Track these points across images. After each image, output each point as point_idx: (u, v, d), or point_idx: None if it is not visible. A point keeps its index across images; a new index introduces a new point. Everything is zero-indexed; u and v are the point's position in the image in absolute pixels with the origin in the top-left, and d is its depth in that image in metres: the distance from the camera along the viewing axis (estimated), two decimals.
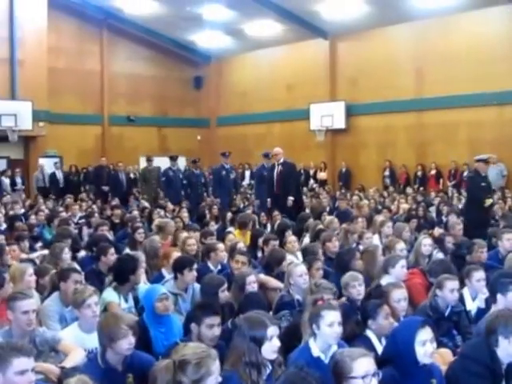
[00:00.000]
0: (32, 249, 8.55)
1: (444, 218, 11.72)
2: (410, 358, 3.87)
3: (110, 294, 5.81)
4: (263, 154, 15.47)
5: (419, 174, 20.26)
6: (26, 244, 8.20)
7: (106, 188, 18.91)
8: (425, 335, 3.89)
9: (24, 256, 7.72)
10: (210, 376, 3.35)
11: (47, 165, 22.28)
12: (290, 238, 8.08)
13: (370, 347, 4.29)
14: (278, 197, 12.67)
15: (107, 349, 4.08)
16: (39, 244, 9.12)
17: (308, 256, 6.96)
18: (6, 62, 21.01)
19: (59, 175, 21.12)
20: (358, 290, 5.50)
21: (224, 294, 5.51)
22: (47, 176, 21.15)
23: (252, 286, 5.66)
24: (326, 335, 4.18)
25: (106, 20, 23.97)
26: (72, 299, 5.01)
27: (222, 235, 8.89)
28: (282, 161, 12.82)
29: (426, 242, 7.41)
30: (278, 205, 12.28)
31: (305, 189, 20.26)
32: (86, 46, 23.98)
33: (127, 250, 7.93)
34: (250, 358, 3.80)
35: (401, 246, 7.36)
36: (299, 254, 7.66)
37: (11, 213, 12.77)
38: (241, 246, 7.54)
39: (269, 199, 12.81)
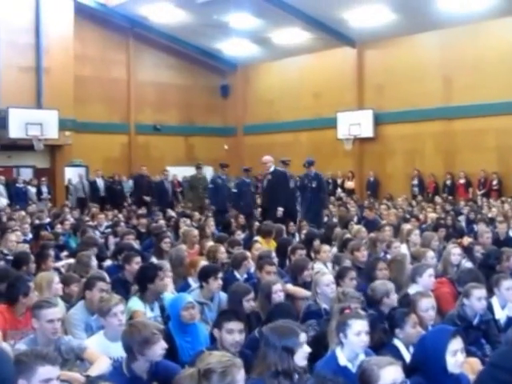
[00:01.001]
0: (57, 258, 8.57)
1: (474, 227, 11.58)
2: (440, 368, 3.84)
3: (135, 303, 5.80)
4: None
5: (448, 182, 20.06)
6: (52, 253, 8.20)
7: (147, 197, 18.75)
8: (456, 345, 3.86)
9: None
10: None
11: (73, 174, 22.46)
12: (325, 247, 7.98)
13: (398, 356, 4.26)
14: (267, 207, 12.49)
15: (137, 356, 4.06)
16: (65, 253, 9.14)
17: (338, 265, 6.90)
18: (32, 70, 21.21)
19: (100, 184, 20.94)
20: (393, 300, 5.45)
21: (250, 304, 5.46)
22: (87, 185, 21.05)
23: (278, 295, 5.60)
24: (353, 344, 4.17)
25: (132, 28, 24.16)
26: (98, 307, 5.00)
27: (248, 244, 8.83)
28: (271, 170, 12.54)
29: (455, 252, 7.33)
30: (268, 216, 11.93)
31: (332, 198, 20.17)
32: (112, 54, 24.17)
33: (153, 259, 7.91)
34: (283, 366, 3.78)
35: (430, 254, 7.25)
36: (329, 264, 7.63)
37: (37, 222, 12.85)
38: (269, 254, 7.49)
39: (259, 210, 12.62)
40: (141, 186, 19.29)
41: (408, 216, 13.51)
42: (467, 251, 7.91)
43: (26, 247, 8.62)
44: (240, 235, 10.55)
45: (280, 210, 11.99)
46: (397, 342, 4.62)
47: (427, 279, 6.12)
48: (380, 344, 4.59)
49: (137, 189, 19.60)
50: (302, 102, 23.96)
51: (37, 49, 21.27)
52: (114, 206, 18.00)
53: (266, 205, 12.77)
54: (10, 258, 8.09)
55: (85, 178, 21.43)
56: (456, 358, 3.82)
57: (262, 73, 26.30)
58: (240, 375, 3.37)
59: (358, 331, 4.17)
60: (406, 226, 9.95)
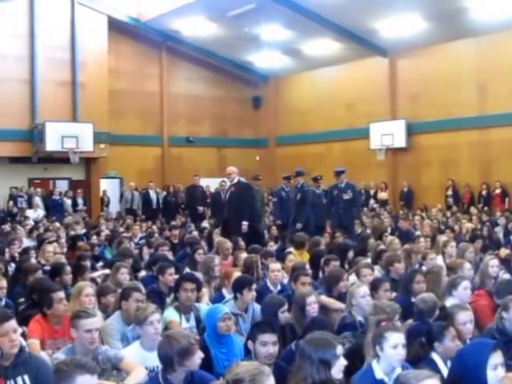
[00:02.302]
0: (93, 268, 8.67)
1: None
2: (480, 382, 3.73)
3: (171, 313, 5.81)
4: (283, 176, 14.92)
5: (483, 192, 19.74)
6: (88, 264, 8.29)
7: (201, 208, 18.40)
8: (496, 359, 3.75)
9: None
10: None
11: (108, 186, 22.71)
12: (365, 271, 7.75)
13: (436, 370, 4.16)
14: (229, 220, 11.68)
15: (175, 367, 4.07)
16: (100, 263, 9.23)
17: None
18: (68, 84, 21.60)
19: (153, 195, 20.58)
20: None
21: (284, 315, 5.44)
22: (137, 197, 20.94)
23: (312, 307, 5.57)
24: (389, 357, 4.11)
25: (165, 42, 24.40)
26: (134, 316, 5.04)
27: (281, 255, 8.82)
28: (235, 181, 11.68)
29: (493, 263, 7.18)
30: (231, 229, 11.23)
31: (365, 209, 20.07)
32: (145, 67, 24.43)
33: (187, 270, 7.94)
34: (320, 379, 3.76)
35: (467, 266, 7.15)
36: None
37: (72, 233, 13.01)
38: (303, 266, 7.46)
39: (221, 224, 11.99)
40: (195, 197, 18.69)
41: (443, 227, 13.38)
42: (505, 263, 7.79)
43: (62, 258, 8.72)
44: (273, 246, 10.55)
45: (245, 225, 11.21)
46: (434, 356, 4.53)
47: (463, 292, 6.03)
48: (417, 358, 4.51)
49: (191, 200, 18.89)
50: (334, 113, 23.91)
51: (73, 64, 21.68)
52: (169, 218, 17.62)
53: (228, 218, 11.84)
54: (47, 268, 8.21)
55: (134, 190, 21.08)
56: (497, 372, 3.71)
57: (294, 84, 26.31)
58: (269, 382, 3.36)
59: (395, 344, 4.11)
60: (442, 238, 9.85)
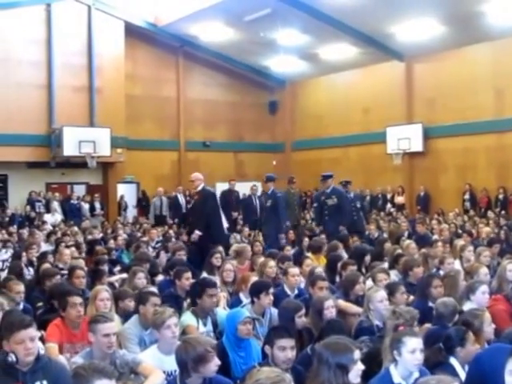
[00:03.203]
0: (111, 272, 8.72)
1: None
2: None
3: (188, 318, 5.83)
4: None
5: (501, 196, 19.63)
6: (106, 268, 8.34)
7: (235, 214, 17.79)
8: None
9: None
10: None
11: (125, 190, 22.81)
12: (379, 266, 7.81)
13: (454, 375, 4.15)
14: (191, 230, 11.05)
15: (191, 373, 4.08)
16: (117, 268, 9.28)
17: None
18: (85, 89, 21.75)
19: (182, 200, 19.62)
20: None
21: (301, 320, 5.44)
22: (165, 202, 20.51)
23: (330, 311, 5.57)
24: (407, 362, 4.10)
25: (182, 47, 24.50)
26: (152, 320, 5.04)
27: (298, 260, 8.82)
28: (199, 188, 10.86)
29: (510, 268, 7.08)
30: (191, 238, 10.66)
31: (382, 213, 20.02)
32: (162, 72, 24.52)
33: (204, 275, 7.97)
34: (338, 383, 3.74)
35: (483, 270, 7.10)
36: None
37: (90, 237, 13.08)
38: (320, 270, 7.46)
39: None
40: (229, 202, 17.37)
41: (460, 231, 13.31)
42: None
43: (80, 262, 8.79)
44: (289, 251, 10.54)
45: (195, 234, 10.41)
46: (452, 361, 4.50)
47: (481, 296, 5.98)
48: (435, 362, 4.48)
49: (226, 205, 16.95)
50: (351, 117, 23.87)
51: (89, 69, 21.83)
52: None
53: (190, 227, 11.27)
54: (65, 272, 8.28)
55: (163, 195, 20.55)
56: None
57: (310, 88, 26.30)
58: None
59: (413, 349, 4.10)
60: (460, 242, 9.78)
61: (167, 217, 20.11)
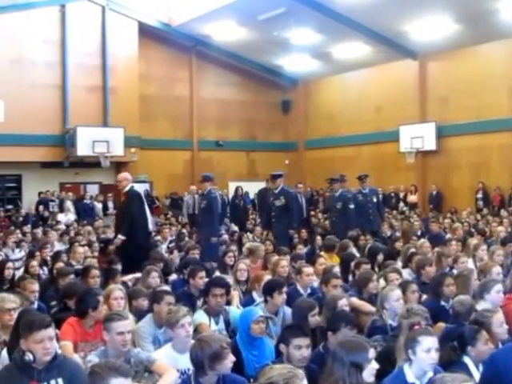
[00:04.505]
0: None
1: None
2: None
3: (200, 316, 5.85)
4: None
5: None
6: (119, 267, 8.37)
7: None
8: None
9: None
10: None
11: (138, 190, 22.67)
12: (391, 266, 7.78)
13: (468, 374, 4.13)
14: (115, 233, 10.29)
15: (207, 371, 4.08)
16: None
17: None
18: (98, 89, 21.89)
19: (219, 200, 18.44)
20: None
21: (315, 319, 5.44)
22: (198, 201, 19.18)
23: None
24: (422, 361, 4.08)
25: (195, 47, 24.54)
26: (166, 319, 5.05)
27: (311, 259, 8.82)
28: (126, 189, 10.02)
29: None
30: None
31: (394, 212, 19.95)
32: (175, 72, 24.58)
33: (217, 274, 7.99)
34: (351, 382, 3.75)
35: (496, 270, 7.06)
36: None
37: (103, 236, 13.13)
38: (335, 269, 7.47)
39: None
40: (266, 202, 15.97)
41: (473, 230, 13.25)
42: None
43: (94, 261, 8.84)
44: (302, 249, 10.54)
45: (118, 238, 9.60)
46: (466, 360, 4.49)
47: (495, 295, 5.93)
48: (449, 361, 4.47)
49: (262, 203, 16.36)
50: (364, 116, 23.80)
51: (103, 69, 21.95)
52: (237, 222, 16.79)
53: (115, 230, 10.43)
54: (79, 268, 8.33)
55: (195, 194, 19.19)
56: None
57: (323, 87, 26.27)
58: None
59: (428, 348, 4.08)
60: (473, 241, 9.73)
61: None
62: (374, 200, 12.82)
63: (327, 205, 13.96)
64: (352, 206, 13.00)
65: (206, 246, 11.16)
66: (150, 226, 10.37)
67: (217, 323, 5.90)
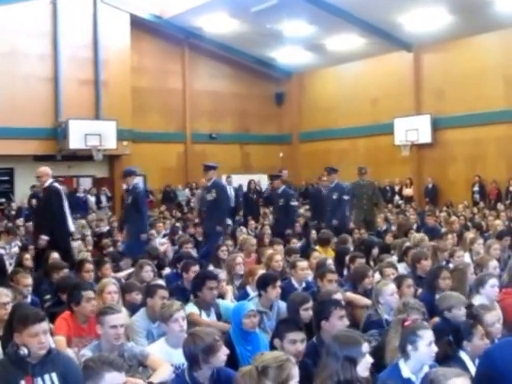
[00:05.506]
0: (117, 265, 8.69)
1: None
2: (508, 381, 3.72)
3: (190, 309, 5.80)
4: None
5: (511, 188, 19.46)
6: (108, 260, 8.28)
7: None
8: None
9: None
10: (293, 379, 3.40)
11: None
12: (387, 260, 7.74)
13: (464, 369, 4.12)
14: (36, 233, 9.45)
15: (201, 365, 4.07)
16: (124, 261, 9.24)
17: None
18: (90, 82, 21.73)
19: (230, 192, 17.81)
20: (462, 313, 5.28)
21: (307, 313, 5.36)
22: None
23: None
24: (423, 355, 4.06)
25: (187, 39, 24.42)
26: (159, 313, 5.04)
27: (305, 252, 8.76)
28: (46, 185, 9.25)
29: None
30: (35, 244, 9.26)
31: (390, 205, 19.91)
32: (167, 65, 24.48)
33: (211, 267, 7.94)
34: (345, 377, 3.73)
35: (492, 264, 7.03)
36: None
37: (97, 230, 13.07)
38: (329, 263, 7.42)
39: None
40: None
41: (469, 224, 13.22)
42: None
43: (87, 255, 8.77)
44: (296, 243, 10.50)
45: (42, 239, 8.89)
46: (462, 355, 4.48)
47: (490, 290, 5.93)
48: (444, 356, 4.44)
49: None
50: (359, 108, 23.75)
51: (95, 62, 21.81)
52: (251, 215, 16.26)
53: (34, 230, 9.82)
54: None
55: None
56: None
57: (317, 80, 26.20)
58: (295, 370, 3.43)
59: (430, 341, 4.07)
60: (469, 235, 9.70)
61: None
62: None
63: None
64: (347, 198, 12.94)
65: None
66: (71, 227, 9.49)
67: (208, 316, 5.88)
